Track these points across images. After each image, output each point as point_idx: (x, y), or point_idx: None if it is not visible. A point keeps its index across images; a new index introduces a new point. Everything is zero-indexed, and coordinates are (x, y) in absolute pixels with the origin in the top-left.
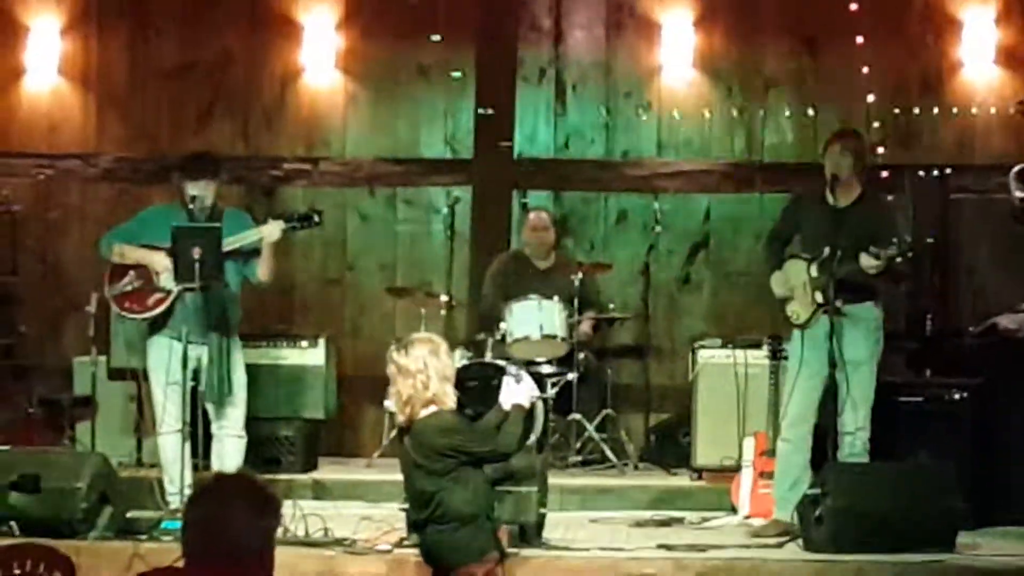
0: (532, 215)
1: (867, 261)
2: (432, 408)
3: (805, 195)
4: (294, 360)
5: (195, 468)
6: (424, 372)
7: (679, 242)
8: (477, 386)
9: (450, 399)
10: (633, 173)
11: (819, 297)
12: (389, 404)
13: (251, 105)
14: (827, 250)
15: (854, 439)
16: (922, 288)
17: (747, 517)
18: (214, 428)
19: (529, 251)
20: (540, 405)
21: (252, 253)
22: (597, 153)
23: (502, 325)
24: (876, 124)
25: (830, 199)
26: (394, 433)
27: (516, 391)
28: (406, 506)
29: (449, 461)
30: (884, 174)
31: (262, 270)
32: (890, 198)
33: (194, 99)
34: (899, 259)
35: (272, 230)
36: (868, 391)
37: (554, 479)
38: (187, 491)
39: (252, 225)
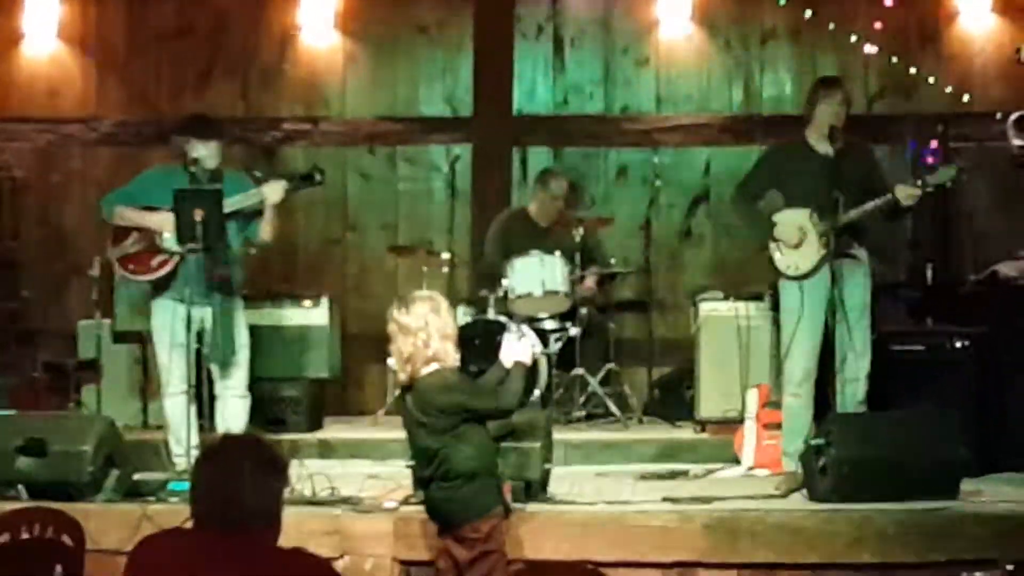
0: (553, 182)
1: (905, 191)
2: (433, 366)
3: (782, 146)
4: (297, 320)
5: (200, 429)
6: (425, 330)
7: (679, 196)
8: (480, 343)
9: (451, 357)
10: (632, 128)
11: (825, 244)
12: (392, 362)
13: (250, 66)
14: (835, 196)
15: (858, 386)
16: (923, 237)
17: (751, 468)
18: (218, 389)
19: (536, 211)
20: (543, 361)
21: (254, 214)
22: (596, 109)
23: (504, 282)
24: (874, 74)
25: (825, 148)
26: (397, 391)
27: (517, 348)
28: (412, 463)
29: (451, 418)
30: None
31: (265, 230)
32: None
33: (193, 61)
34: (951, 183)
35: (274, 190)
36: (869, 336)
37: (558, 434)
38: (193, 452)
39: (252, 187)
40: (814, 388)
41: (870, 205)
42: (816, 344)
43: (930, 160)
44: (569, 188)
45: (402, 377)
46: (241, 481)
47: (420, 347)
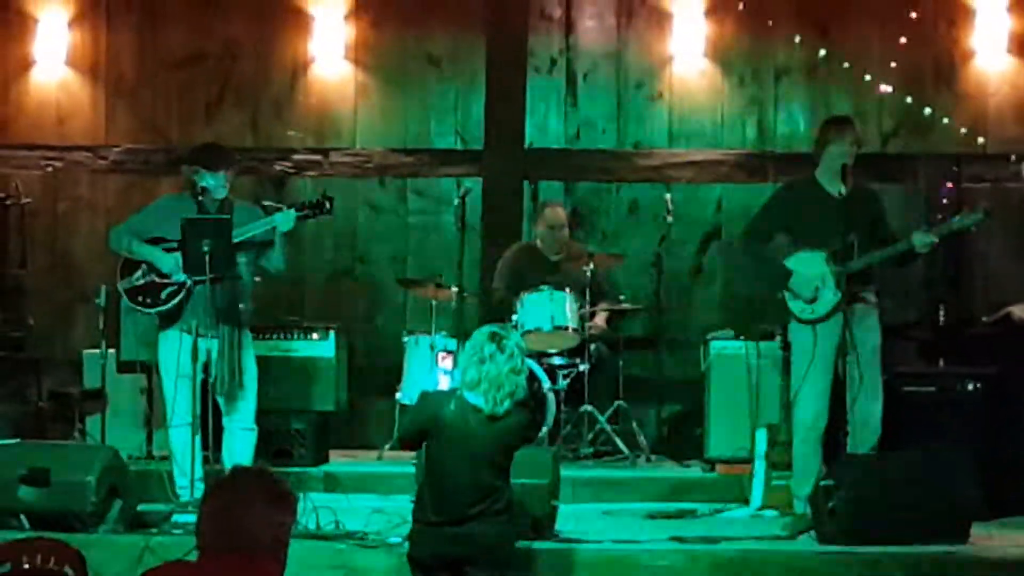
0: (548, 211)
1: (922, 239)
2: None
3: (793, 186)
4: (305, 352)
5: (205, 461)
6: (524, 371)
7: (691, 232)
8: None
9: None
10: (644, 163)
11: (843, 288)
12: (477, 397)
13: (260, 96)
14: (850, 240)
15: (869, 430)
16: (936, 277)
17: (760, 509)
18: (224, 421)
19: (542, 244)
20: (551, 397)
21: (265, 244)
22: (608, 143)
23: (513, 317)
24: (888, 113)
25: (837, 188)
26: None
27: None
28: (413, 500)
29: (510, 459)
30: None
31: (277, 259)
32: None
33: (203, 90)
34: (974, 228)
35: (285, 219)
36: (879, 379)
37: (566, 471)
38: (198, 484)
39: (263, 217)
40: (824, 431)
41: (888, 251)
42: (827, 388)
43: (944, 201)
44: (571, 217)
45: (487, 409)
46: (252, 513)
47: (522, 385)
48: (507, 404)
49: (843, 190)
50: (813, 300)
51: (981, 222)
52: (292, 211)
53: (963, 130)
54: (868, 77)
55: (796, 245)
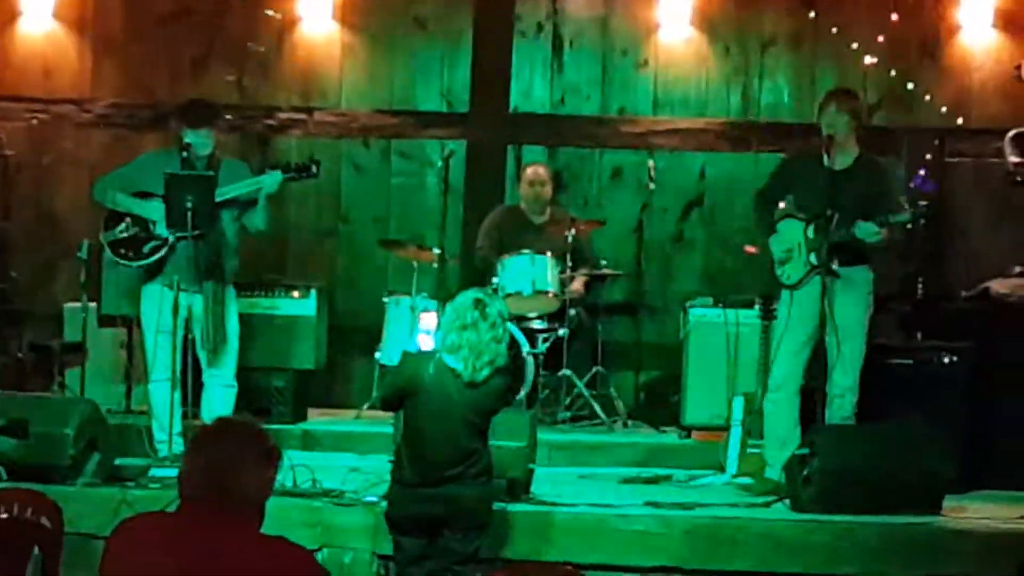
0: (529, 169)
1: (868, 228)
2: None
3: (799, 155)
4: (286, 310)
5: (185, 417)
6: (506, 339)
7: (673, 200)
8: None
9: None
10: (628, 130)
11: (813, 258)
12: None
13: (247, 54)
14: (830, 212)
15: (843, 401)
16: (914, 252)
17: (735, 476)
18: (205, 377)
19: (525, 205)
20: (530, 360)
21: (250, 203)
22: (593, 109)
23: (494, 280)
24: (872, 86)
25: (826, 160)
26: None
27: None
28: (393, 460)
29: (488, 423)
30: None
31: (260, 219)
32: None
33: (190, 46)
34: (909, 224)
35: (272, 181)
36: (859, 353)
37: (543, 435)
38: (176, 439)
39: (250, 175)
40: (798, 399)
41: (842, 233)
42: (796, 354)
43: (917, 184)
44: (554, 182)
45: (467, 375)
46: (240, 465)
47: (502, 353)
48: (486, 372)
49: (828, 162)
50: (784, 262)
51: (908, 222)
52: (278, 173)
53: (945, 105)
54: (854, 48)
55: (798, 210)
